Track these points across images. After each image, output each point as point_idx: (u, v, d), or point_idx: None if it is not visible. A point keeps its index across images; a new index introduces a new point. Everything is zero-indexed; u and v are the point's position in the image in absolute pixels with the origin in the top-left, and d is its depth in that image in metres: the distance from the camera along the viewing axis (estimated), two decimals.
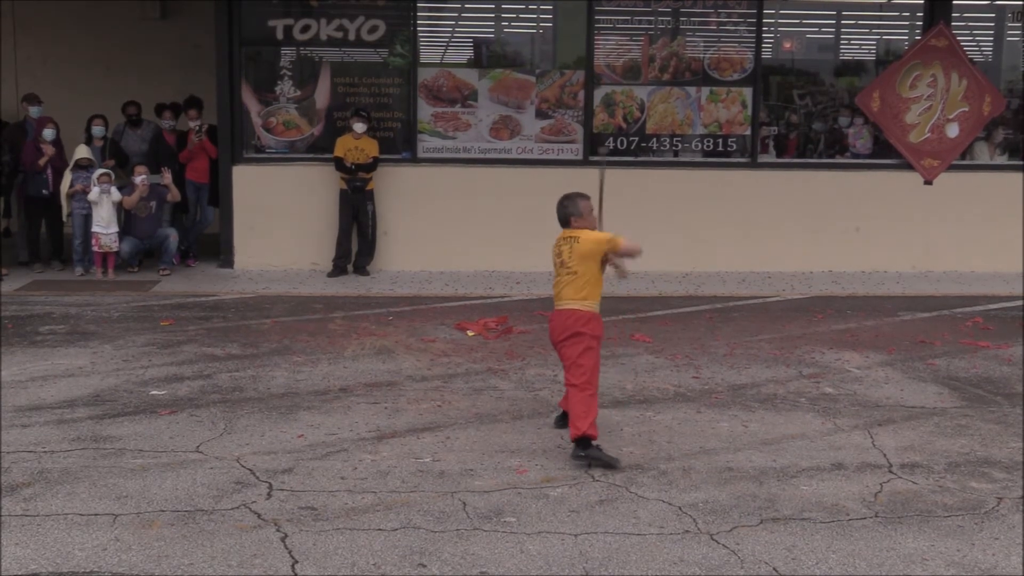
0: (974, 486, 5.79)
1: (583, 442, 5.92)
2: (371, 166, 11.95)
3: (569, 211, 6.23)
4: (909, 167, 12.93)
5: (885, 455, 6.26)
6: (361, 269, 12.15)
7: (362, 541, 4.91)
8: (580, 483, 5.70)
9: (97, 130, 12.27)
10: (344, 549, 4.81)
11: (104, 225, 11.54)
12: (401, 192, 12.36)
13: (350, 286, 11.54)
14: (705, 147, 12.86)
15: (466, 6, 13.14)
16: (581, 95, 12.57)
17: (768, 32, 13.12)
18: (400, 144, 12.56)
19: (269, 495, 5.45)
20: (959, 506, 5.50)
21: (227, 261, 12.44)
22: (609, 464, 5.89)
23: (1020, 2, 13.23)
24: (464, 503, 5.39)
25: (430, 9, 12.88)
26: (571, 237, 6.16)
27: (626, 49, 12.69)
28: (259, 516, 5.17)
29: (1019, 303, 11.00)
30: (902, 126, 12.91)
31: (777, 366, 8.30)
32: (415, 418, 6.83)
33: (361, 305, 10.51)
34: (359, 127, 11.85)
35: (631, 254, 6.20)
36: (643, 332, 9.34)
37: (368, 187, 12.00)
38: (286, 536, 4.94)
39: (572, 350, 6.09)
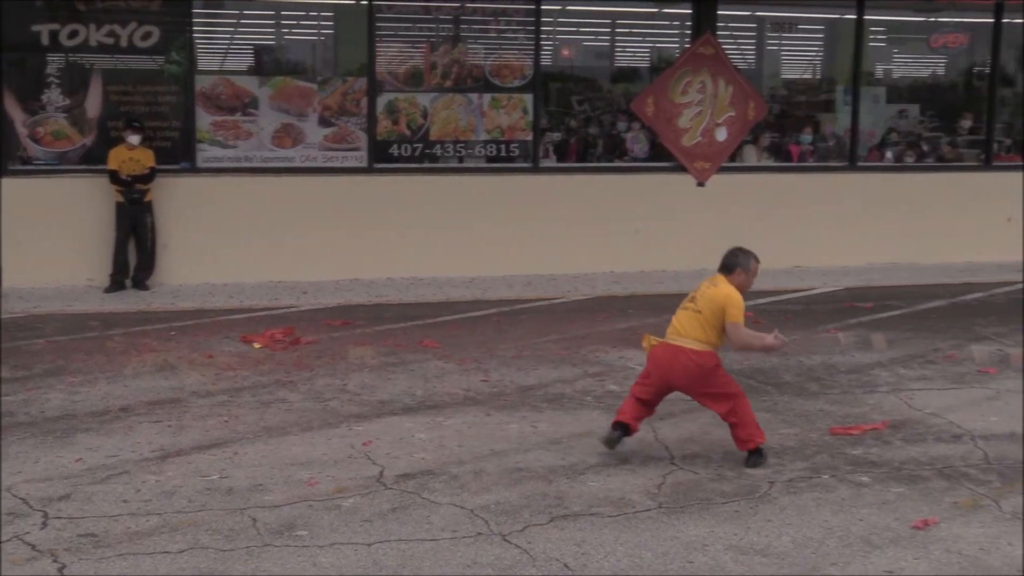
0: (749, 472, 6.10)
1: (758, 452, 6.25)
2: (148, 177, 11.55)
3: (738, 261, 6.27)
4: (683, 169, 13.45)
5: (667, 448, 6.51)
6: (140, 283, 11.72)
7: (146, 566, 4.74)
8: (372, 492, 5.69)
9: None
10: None
11: None
12: (181, 203, 11.98)
13: (129, 301, 11.11)
14: (488, 153, 13.03)
15: (244, 12, 12.88)
16: (364, 102, 12.52)
17: (547, 40, 13.42)
18: (179, 154, 12.18)
19: (44, 524, 5.19)
20: (736, 492, 5.78)
21: None
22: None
23: (779, 14, 14.01)
24: (254, 519, 5.29)
25: (206, 15, 12.57)
26: (715, 281, 6.22)
27: (408, 56, 12.73)
28: (33, 548, 4.92)
29: (779, 298, 11.64)
30: (675, 130, 13.39)
31: (564, 366, 8.50)
32: (201, 435, 6.64)
33: (141, 321, 10.15)
34: (133, 139, 11.44)
35: (740, 346, 6.37)
36: (431, 338, 9.38)
37: (146, 199, 11.59)
38: (64, 567, 4.72)
39: (708, 395, 6.23)
